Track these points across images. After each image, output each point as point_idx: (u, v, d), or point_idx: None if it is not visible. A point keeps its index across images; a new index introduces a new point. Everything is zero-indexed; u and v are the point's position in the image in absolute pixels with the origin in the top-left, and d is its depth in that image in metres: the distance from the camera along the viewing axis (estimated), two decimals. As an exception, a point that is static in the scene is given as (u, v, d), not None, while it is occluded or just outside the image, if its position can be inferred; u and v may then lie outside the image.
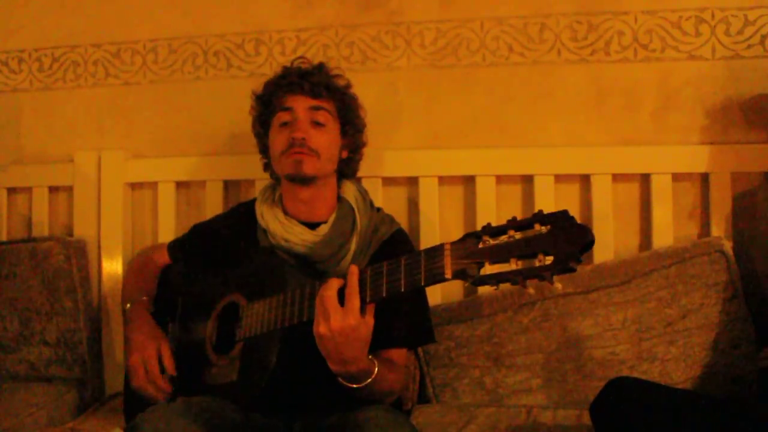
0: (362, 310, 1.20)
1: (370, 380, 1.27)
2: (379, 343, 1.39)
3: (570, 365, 1.71)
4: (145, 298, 1.61)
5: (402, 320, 1.46)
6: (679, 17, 1.84)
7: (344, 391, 1.28)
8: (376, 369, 1.28)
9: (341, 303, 1.19)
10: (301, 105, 1.54)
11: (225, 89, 2.07)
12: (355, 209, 1.55)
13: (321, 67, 1.60)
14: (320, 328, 1.20)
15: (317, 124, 1.54)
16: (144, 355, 1.45)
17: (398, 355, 1.47)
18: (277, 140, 1.55)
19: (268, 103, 1.60)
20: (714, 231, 1.79)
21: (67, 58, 2.18)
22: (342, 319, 1.18)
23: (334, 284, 1.21)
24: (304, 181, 1.52)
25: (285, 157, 1.52)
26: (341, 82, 1.61)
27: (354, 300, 1.19)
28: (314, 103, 1.54)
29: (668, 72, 1.86)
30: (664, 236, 1.80)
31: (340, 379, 1.27)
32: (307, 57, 1.65)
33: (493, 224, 1.07)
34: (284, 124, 1.55)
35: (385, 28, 1.98)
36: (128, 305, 1.59)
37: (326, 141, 1.54)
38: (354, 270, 1.21)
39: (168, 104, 2.12)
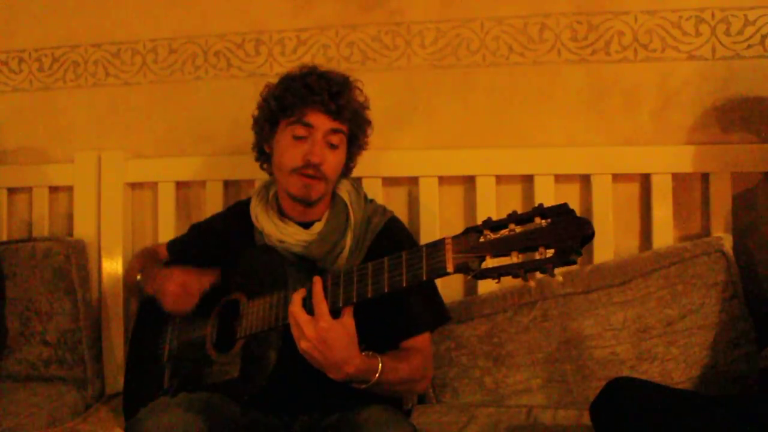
0: (338, 313, 1.23)
1: (377, 376, 1.27)
2: (400, 334, 1.40)
3: (570, 365, 1.71)
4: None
5: (415, 306, 1.47)
6: (679, 17, 1.84)
7: (344, 390, 1.29)
8: (380, 363, 1.28)
9: (311, 313, 1.23)
10: (322, 126, 1.49)
11: (225, 89, 2.07)
12: (348, 204, 1.54)
13: (348, 86, 1.54)
14: (301, 344, 1.23)
15: (331, 146, 1.51)
16: (186, 280, 1.50)
17: (421, 341, 1.47)
18: (290, 154, 1.49)
19: (285, 109, 1.51)
20: (714, 231, 1.78)
21: (67, 58, 2.18)
22: (314, 326, 1.21)
23: (296, 299, 1.25)
24: (307, 204, 1.52)
25: (296, 176, 1.48)
26: (360, 99, 1.57)
27: (320, 306, 1.23)
28: (334, 125, 1.50)
29: (668, 72, 1.86)
30: (664, 236, 1.80)
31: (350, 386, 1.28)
32: (335, 70, 1.58)
33: (494, 219, 1.07)
34: (299, 138, 1.50)
35: (385, 28, 1.98)
36: (138, 276, 1.62)
37: (337, 164, 1.53)
38: (317, 280, 1.25)
39: (168, 104, 2.12)
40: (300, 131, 1.50)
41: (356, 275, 1.23)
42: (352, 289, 1.22)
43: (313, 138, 1.49)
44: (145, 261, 1.69)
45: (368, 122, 1.60)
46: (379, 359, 1.28)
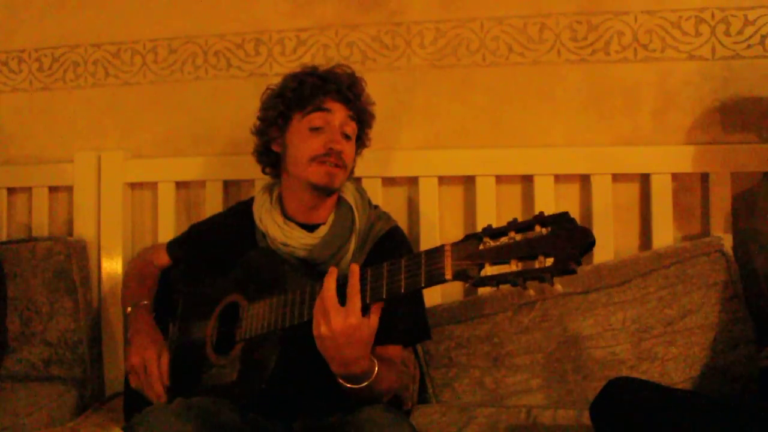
0: (365, 310, 1.19)
1: (370, 380, 1.26)
2: (375, 339, 1.39)
3: (570, 365, 1.71)
4: (145, 302, 1.61)
5: (398, 317, 1.45)
6: (679, 17, 1.84)
7: (344, 392, 1.28)
8: (377, 369, 1.27)
9: (342, 303, 1.19)
10: (340, 114, 1.52)
11: (225, 89, 2.07)
12: (354, 209, 1.54)
13: (357, 79, 1.58)
14: (321, 329, 1.19)
15: (346, 137, 1.53)
16: (145, 357, 1.46)
17: (394, 351, 1.46)
18: (308, 144, 1.49)
19: (302, 99, 1.52)
20: (714, 231, 1.79)
21: (67, 58, 2.19)
22: (343, 320, 1.17)
23: (332, 284, 1.21)
24: (329, 192, 1.52)
25: (317, 165, 1.48)
26: (369, 100, 1.61)
27: (355, 299, 1.18)
28: (350, 113, 1.54)
29: (668, 72, 1.86)
30: (664, 236, 1.80)
31: (340, 380, 1.26)
32: (344, 64, 1.61)
33: (494, 225, 1.07)
34: (316, 129, 1.50)
35: (385, 28, 1.98)
36: (129, 309, 1.60)
37: (352, 154, 1.56)
38: (355, 269, 1.20)
39: (168, 104, 2.12)
40: (317, 121, 1.51)
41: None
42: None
43: (331, 127, 1.51)
44: (134, 292, 1.65)
45: (373, 117, 1.62)
46: (377, 365, 1.27)
